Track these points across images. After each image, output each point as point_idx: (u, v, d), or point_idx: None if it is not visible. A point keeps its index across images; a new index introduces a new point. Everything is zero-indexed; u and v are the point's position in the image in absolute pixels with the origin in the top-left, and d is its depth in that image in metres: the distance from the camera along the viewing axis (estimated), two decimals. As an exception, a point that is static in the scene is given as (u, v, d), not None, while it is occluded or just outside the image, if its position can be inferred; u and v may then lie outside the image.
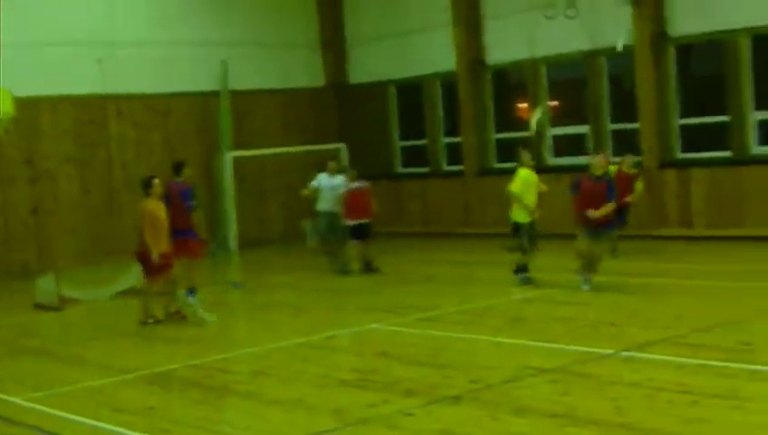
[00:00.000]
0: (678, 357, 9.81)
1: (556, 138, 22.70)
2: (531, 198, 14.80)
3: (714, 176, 19.46)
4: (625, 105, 21.25)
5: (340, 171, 18.64)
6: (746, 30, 19.36)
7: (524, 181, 14.79)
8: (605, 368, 9.67)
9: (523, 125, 23.03)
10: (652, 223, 20.04)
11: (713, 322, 11.51)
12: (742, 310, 12.16)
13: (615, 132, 21.67)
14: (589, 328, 11.83)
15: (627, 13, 20.44)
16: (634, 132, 20.88)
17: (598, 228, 13.85)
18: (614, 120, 21.69)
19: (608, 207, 13.79)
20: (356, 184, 17.97)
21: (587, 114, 22.07)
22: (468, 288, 15.77)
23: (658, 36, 20.39)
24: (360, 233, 17.79)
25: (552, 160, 22.39)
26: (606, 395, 8.68)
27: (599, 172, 13.96)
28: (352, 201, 17.71)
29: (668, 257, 17.34)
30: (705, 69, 21.32)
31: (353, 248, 18.00)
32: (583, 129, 22.14)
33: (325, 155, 20.78)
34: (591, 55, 21.67)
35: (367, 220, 17.86)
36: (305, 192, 18.53)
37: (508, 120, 23.92)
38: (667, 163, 20.05)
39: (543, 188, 15.14)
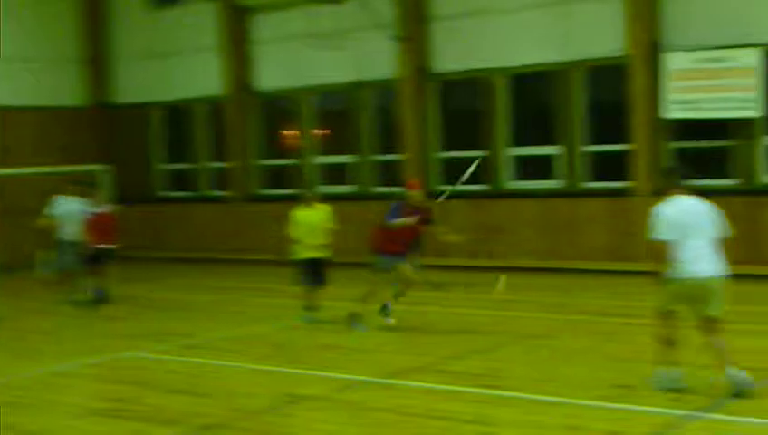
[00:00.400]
0: (434, 384, 10.11)
1: (323, 166, 23.02)
2: (311, 237, 14.30)
3: (472, 208, 20.19)
4: (391, 136, 21.81)
5: (83, 194, 17.84)
6: (502, 69, 20.35)
7: (300, 222, 14.35)
8: (364, 394, 9.84)
9: (290, 153, 23.24)
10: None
11: (466, 349, 11.94)
12: (494, 337, 12.68)
13: (380, 163, 22.23)
14: (349, 355, 12.01)
15: (392, 47, 21.05)
16: (398, 164, 21.48)
17: (405, 254, 13.52)
18: (379, 152, 22.24)
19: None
20: (101, 208, 17.40)
21: (353, 144, 22.51)
22: (232, 315, 15.67)
23: (421, 71, 21.10)
24: (103, 258, 17.21)
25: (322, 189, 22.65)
26: (364, 422, 8.83)
27: (415, 201, 13.55)
28: (98, 225, 17.06)
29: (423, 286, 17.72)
30: (466, 104, 22.15)
31: (98, 275, 17.32)
32: (349, 158, 22.56)
33: (86, 176, 20.16)
34: (356, 87, 22.15)
35: (112, 245, 17.27)
36: (42, 222, 17.74)
37: (276, 146, 24.03)
38: (429, 195, 20.63)
39: (331, 225, 14.44)
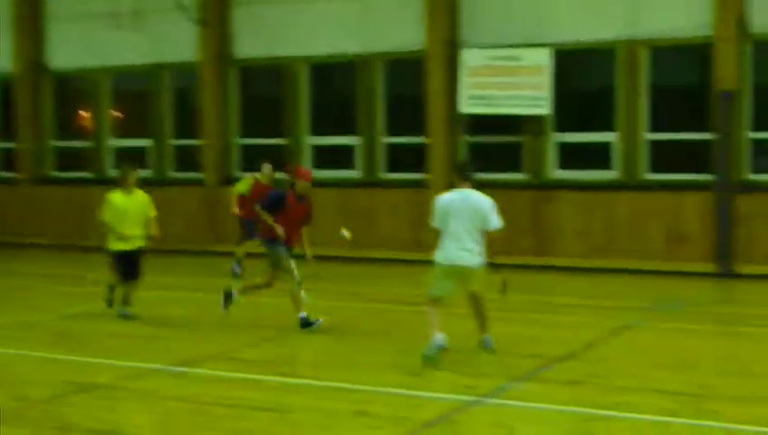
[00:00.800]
0: (226, 371, 10.05)
1: (119, 150, 22.48)
2: (127, 226, 13.05)
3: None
4: (190, 121, 21.50)
5: None
6: (304, 58, 20.40)
7: (116, 207, 13.06)
8: (153, 383, 9.67)
9: (85, 134, 22.59)
10: (208, 240, 20.46)
11: (259, 337, 11.93)
12: (288, 326, 12.67)
13: (178, 148, 21.90)
14: (139, 343, 11.77)
15: (192, 31, 20.75)
16: (197, 148, 21.23)
17: (288, 246, 12.62)
18: (177, 136, 21.90)
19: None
20: None
21: (151, 128, 22.08)
22: (17, 301, 15.08)
23: (222, 56, 20.88)
24: None
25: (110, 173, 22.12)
26: (154, 410, 8.69)
27: (303, 190, 12.55)
28: None
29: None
30: (268, 91, 22.07)
31: None
32: (146, 142, 22.10)
33: None
34: (156, 69, 21.72)
35: None
36: None
37: (70, 128, 23.27)
38: (233, 180, 20.36)
39: (151, 214, 13.35)
